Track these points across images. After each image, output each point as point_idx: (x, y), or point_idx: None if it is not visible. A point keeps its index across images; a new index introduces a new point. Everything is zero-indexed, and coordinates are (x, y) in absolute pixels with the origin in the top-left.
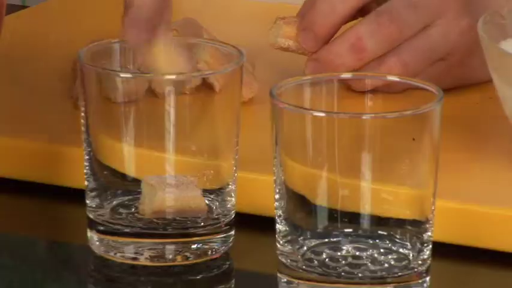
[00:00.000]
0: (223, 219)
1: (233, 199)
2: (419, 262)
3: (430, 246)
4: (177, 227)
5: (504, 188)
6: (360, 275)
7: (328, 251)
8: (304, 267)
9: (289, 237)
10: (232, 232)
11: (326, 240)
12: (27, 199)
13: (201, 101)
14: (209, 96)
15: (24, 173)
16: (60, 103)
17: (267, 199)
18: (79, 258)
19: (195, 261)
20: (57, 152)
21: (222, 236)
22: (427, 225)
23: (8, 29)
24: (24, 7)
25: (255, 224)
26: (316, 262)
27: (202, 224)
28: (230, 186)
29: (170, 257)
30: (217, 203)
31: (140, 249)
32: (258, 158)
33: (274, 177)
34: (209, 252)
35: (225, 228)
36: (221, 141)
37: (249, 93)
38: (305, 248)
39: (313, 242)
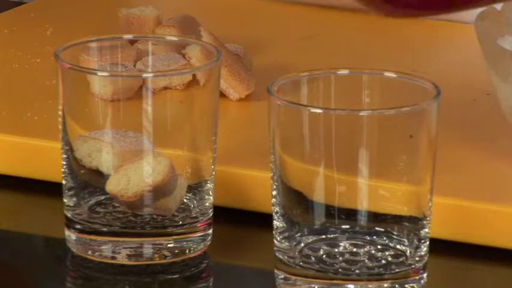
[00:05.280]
0: (201, 217)
1: (211, 197)
2: (417, 259)
3: (427, 242)
4: (155, 225)
5: (501, 184)
6: (357, 271)
7: (325, 248)
8: (301, 263)
9: (286, 234)
10: (210, 231)
11: (323, 236)
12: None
13: (182, 96)
14: (189, 91)
15: (15, 168)
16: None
17: (264, 195)
18: (57, 255)
19: (172, 260)
20: (50, 147)
21: (200, 234)
22: (424, 222)
23: (5, 25)
24: (21, 3)
25: (253, 220)
26: (313, 258)
27: (180, 222)
28: (208, 184)
29: (148, 255)
30: (195, 202)
31: (118, 248)
32: (254, 154)
33: (272, 174)
34: (187, 251)
35: (202, 227)
36: (200, 136)
37: (246, 90)
38: (302, 244)
39: (311, 239)
